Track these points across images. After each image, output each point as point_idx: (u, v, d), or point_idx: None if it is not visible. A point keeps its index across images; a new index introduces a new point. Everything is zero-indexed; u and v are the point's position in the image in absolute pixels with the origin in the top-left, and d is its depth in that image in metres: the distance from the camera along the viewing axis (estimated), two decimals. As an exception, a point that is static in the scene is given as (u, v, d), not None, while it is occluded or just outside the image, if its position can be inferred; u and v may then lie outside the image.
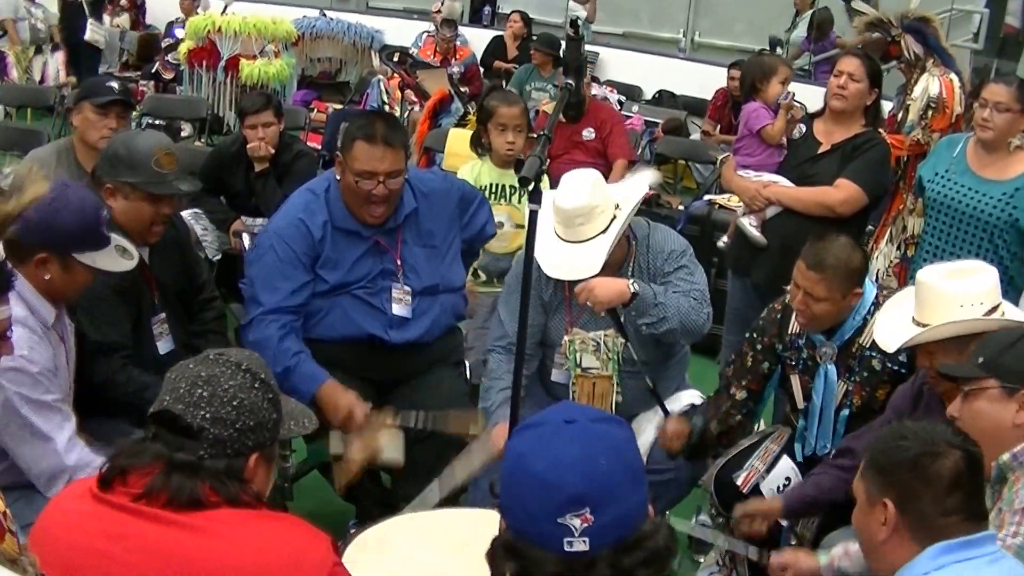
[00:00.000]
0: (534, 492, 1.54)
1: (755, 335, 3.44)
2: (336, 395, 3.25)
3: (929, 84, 4.54)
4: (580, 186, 3.28)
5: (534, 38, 9.66)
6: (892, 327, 2.92)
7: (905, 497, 1.99)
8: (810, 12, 10.60)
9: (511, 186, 4.31)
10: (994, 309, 2.75)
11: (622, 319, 3.40)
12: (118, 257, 2.86)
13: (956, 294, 2.75)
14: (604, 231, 3.26)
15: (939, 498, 1.96)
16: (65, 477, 2.69)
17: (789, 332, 3.36)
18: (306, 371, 3.31)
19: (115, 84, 4.30)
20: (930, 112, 4.50)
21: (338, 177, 3.45)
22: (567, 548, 1.53)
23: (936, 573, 1.92)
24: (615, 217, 3.28)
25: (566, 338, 3.47)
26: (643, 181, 3.53)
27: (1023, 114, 3.88)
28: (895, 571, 1.99)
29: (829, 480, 3.09)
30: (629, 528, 1.55)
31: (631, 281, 3.30)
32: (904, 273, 4.46)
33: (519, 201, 4.30)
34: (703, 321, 3.38)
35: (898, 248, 4.58)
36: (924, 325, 2.79)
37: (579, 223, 3.24)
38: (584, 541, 1.52)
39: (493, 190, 4.27)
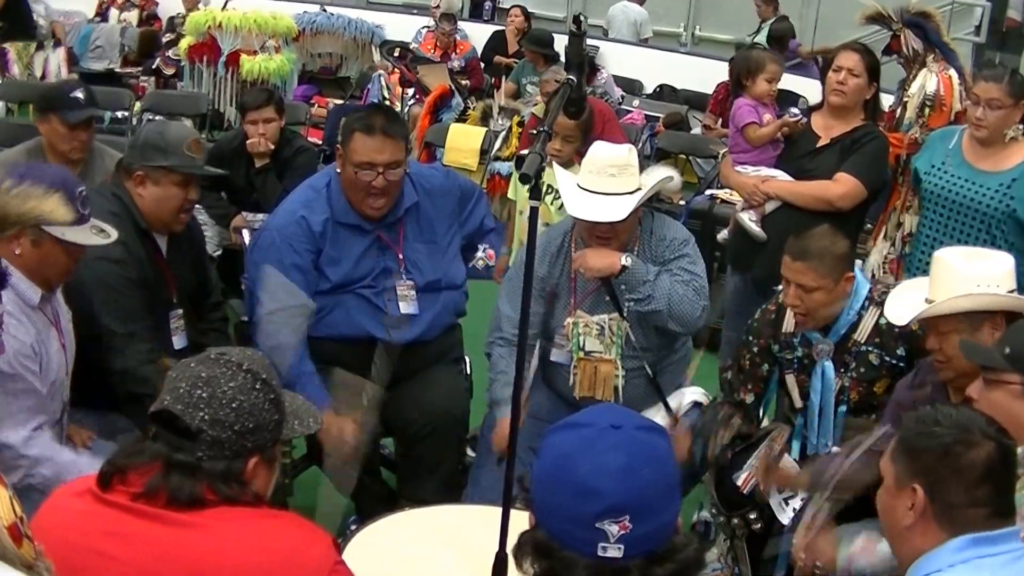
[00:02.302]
0: (575, 496, 1.54)
1: (750, 337, 3.42)
2: (329, 420, 3.17)
3: (927, 81, 4.50)
4: (618, 146, 3.43)
5: (534, 34, 9.64)
6: (903, 304, 2.90)
7: (935, 484, 1.95)
8: (772, 21, 10.64)
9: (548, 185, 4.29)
10: (1010, 293, 2.74)
11: (623, 305, 3.41)
12: (92, 235, 2.83)
13: (973, 274, 2.73)
14: (630, 193, 3.29)
15: (969, 488, 1.93)
16: (22, 471, 2.66)
17: (784, 332, 3.35)
18: (308, 391, 3.22)
19: (80, 94, 4.09)
20: (927, 110, 4.47)
21: (338, 170, 3.46)
22: (600, 553, 1.53)
23: (961, 566, 1.90)
24: (639, 189, 3.33)
25: (569, 320, 3.47)
26: (667, 171, 3.57)
27: (1016, 107, 3.86)
28: (917, 555, 1.97)
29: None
30: (662, 540, 1.56)
31: (625, 255, 3.32)
32: (899, 269, 4.44)
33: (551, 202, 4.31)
34: (698, 314, 3.38)
35: (892, 244, 4.57)
36: None
37: (611, 173, 3.28)
38: (619, 548, 1.53)
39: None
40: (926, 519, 1.96)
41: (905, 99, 4.55)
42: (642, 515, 1.53)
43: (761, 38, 10.53)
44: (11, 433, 2.66)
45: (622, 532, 1.52)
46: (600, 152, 3.35)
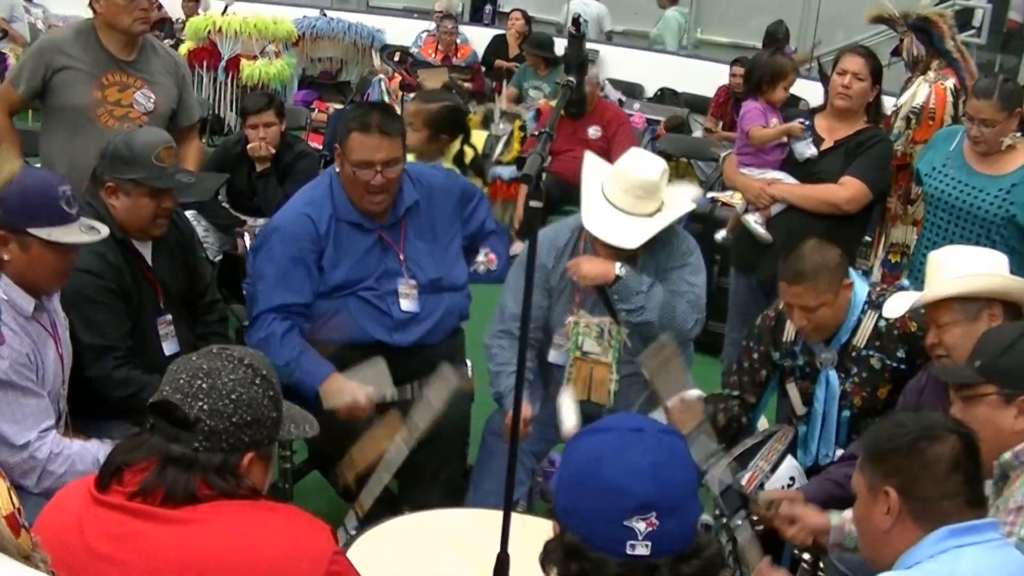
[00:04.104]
0: (604, 496, 1.59)
1: (751, 343, 3.42)
2: (340, 385, 3.24)
3: (917, 91, 4.45)
4: (655, 164, 3.37)
5: (534, 38, 9.66)
6: (900, 303, 2.92)
7: (906, 482, 1.98)
8: (673, 10, 10.90)
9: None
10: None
11: (617, 314, 3.40)
12: (81, 233, 2.77)
13: (967, 265, 2.76)
14: (650, 216, 3.29)
15: (939, 480, 1.96)
16: (36, 472, 2.67)
17: (785, 340, 3.34)
18: (309, 365, 3.30)
19: None
20: (912, 121, 4.43)
21: (337, 170, 3.45)
22: (629, 551, 1.57)
23: (942, 556, 1.92)
24: (660, 210, 3.32)
25: (570, 319, 3.47)
26: (690, 194, 3.57)
27: (1010, 117, 3.82)
28: (898, 558, 1.99)
29: (842, 474, 3.05)
30: (687, 538, 1.62)
31: (619, 265, 3.31)
32: (895, 281, 4.40)
33: None
34: (690, 327, 3.38)
35: (882, 249, 4.57)
36: None
37: (639, 195, 3.28)
38: (646, 545, 1.57)
39: None
40: (903, 520, 1.99)
41: (894, 108, 4.52)
42: (668, 512, 1.58)
43: (662, 27, 10.75)
44: (20, 438, 2.66)
45: (649, 529, 1.57)
46: (633, 169, 3.32)
